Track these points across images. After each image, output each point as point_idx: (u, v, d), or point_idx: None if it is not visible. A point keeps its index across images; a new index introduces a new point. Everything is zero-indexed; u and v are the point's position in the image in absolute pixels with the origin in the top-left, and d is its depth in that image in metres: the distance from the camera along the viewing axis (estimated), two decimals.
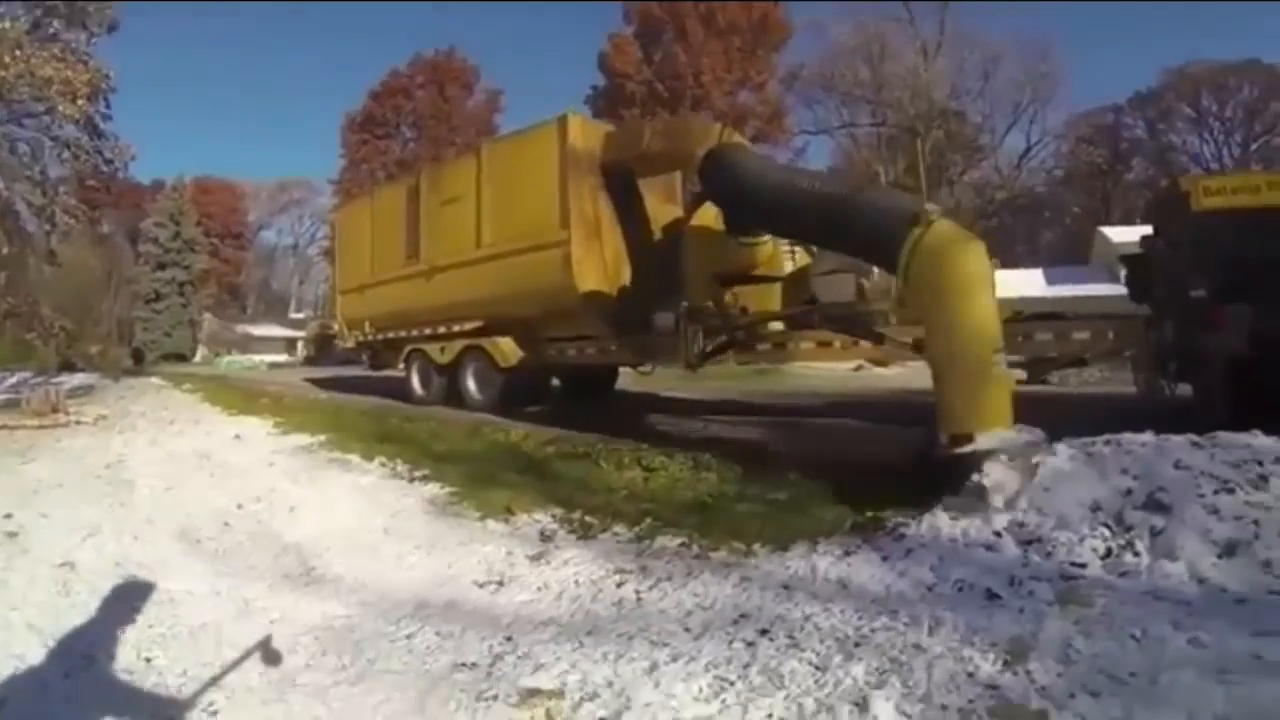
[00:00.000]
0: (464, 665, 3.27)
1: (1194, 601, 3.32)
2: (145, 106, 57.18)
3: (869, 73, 43.30)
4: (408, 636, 3.60)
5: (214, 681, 3.15)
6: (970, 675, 2.89)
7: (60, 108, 16.79)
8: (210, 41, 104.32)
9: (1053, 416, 5.50)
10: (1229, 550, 3.69)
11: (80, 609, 3.98)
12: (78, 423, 13.03)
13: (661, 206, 10.78)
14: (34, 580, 4.46)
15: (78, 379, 24.97)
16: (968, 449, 4.79)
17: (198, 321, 58.58)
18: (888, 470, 5.63)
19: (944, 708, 2.71)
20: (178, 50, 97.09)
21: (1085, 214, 48.88)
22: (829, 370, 13.28)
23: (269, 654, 3.14)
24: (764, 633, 3.33)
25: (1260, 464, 4.19)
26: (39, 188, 18.42)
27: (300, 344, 59.61)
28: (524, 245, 10.26)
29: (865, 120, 46.07)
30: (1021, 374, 7.50)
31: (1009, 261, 50.03)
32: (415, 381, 13.14)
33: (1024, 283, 40.97)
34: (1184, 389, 7.48)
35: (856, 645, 3.18)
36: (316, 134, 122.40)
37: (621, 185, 10.30)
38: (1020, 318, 8.01)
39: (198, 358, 54.53)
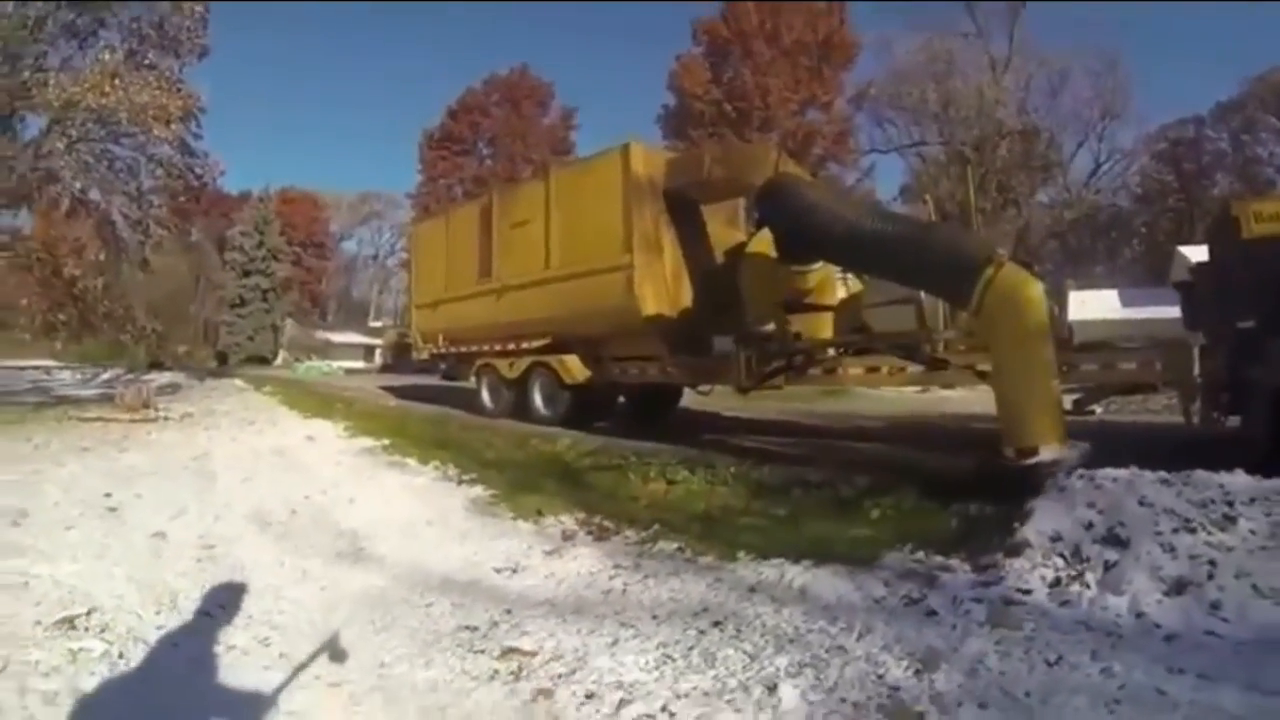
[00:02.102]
0: (466, 628, 3.96)
1: (1125, 635, 3.51)
2: (233, 120, 60.37)
3: (935, 91, 42.78)
4: (428, 605, 4.33)
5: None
6: (879, 677, 3.25)
7: (155, 130, 17.96)
8: (296, 55, 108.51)
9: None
10: (1177, 588, 3.81)
11: (169, 568, 4.81)
12: (166, 418, 14.19)
13: (724, 230, 11.07)
14: (131, 546, 5.31)
15: (165, 377, 26.59)
16: (1035, 460, 5.45)
17: (279, 327, 60.58)
18: (887, 493, 6.12)
19: (843, 700, 3.09)
20: (264, 64, 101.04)
21: (1167, 233, 47.02)
22: (895, 393, 13.48)
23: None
24: (717, 624, 3.86)
25: (1230, 504, 4.27)
26: (135, 202, 19.59)
27: (378, 351, 61.13)
28: (590, 268, 10.63)
29: (933, 139, 45.28)
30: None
31: (1086, 282, 48.91)
32: (485, 394, 13.68)
33: (1099, 304, 40.08)
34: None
35: (791, 642, 3.63)
36: (397, 148, 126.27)
37: (684, 210, 10.61)
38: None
39: (278, 361, 56.30)
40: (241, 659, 3.54)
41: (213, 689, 3.16)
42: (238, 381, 29.01)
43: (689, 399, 12.94)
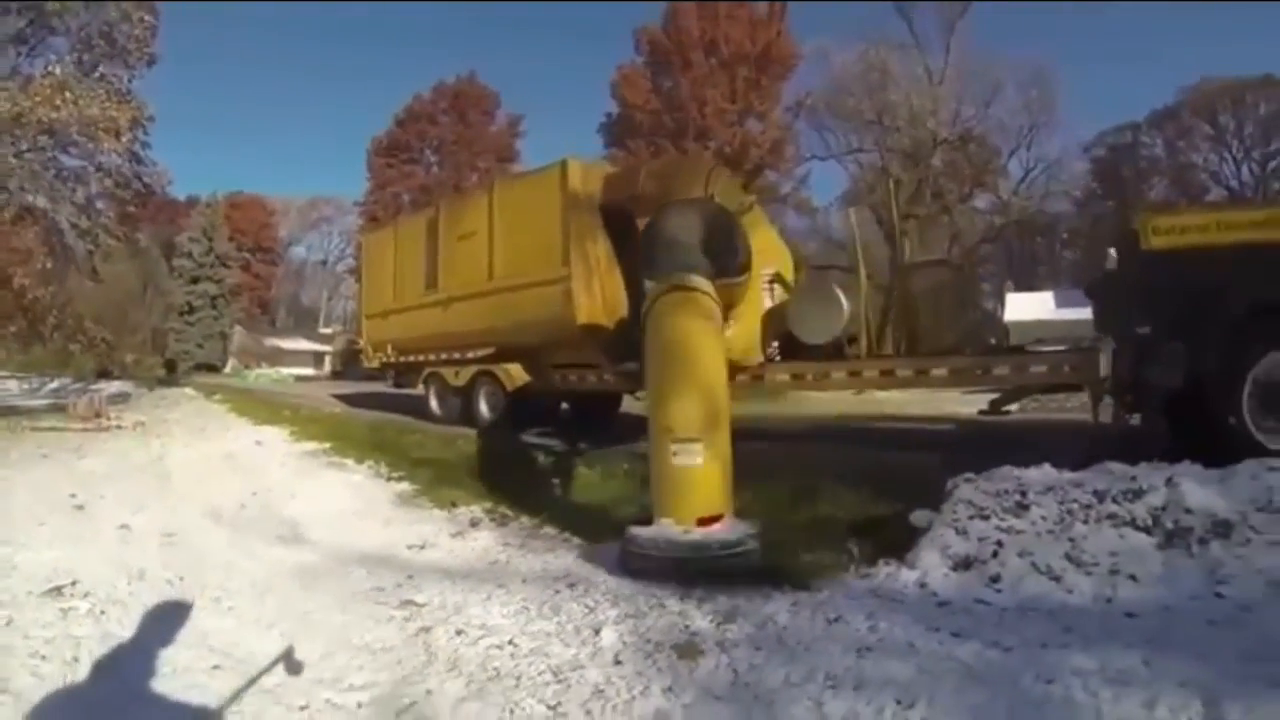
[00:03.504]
0: (376, 589, 4.99)
1: (905, 601, 4.13)
2: (181, 122, 60.23)
3: (870, 101, 43.51)
4: (348, 573, 5.35)
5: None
6: (686, 626, 4.04)
7: (105, 143, 18.42)
8: (243, 59, 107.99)
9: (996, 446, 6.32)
10: (964, 565, 4.41)
11: (136, 551, 5.79)
12: (119, 427, 14.78)
13: None
14: (101, 535, 6.27)
15: (114, 387, 26.28)
16: (636, 530, 5.10)
17: (229, 334, 60.29)
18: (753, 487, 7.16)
19: (648, 640, 3.87)
20: (211, 66, 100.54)
21: (1103, 236, 48.88)
22: (834, 395, 13.57)
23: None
24: (571, 586, 4.83)
25: (1023, 494, 4.74)
26: (84, 212, 19.87)
27: (327, 358, 61.22)
28: (530, 280, 10.76)
29: (871, 146, 45.80)
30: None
31: (1025, 284, 50.44)
32: (433, 402, 14.38)
33: (1034, 306, 41.78)
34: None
35: (625, 600, 4.46)
36: (346, 153, 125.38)
37: (621, 223, 10.59)
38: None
39: (228, 369, 56.08)
40: (199, 611, 4.53)
41: (176, 631, 4.16)
42: (188, 390, 29.35)
43: (631, 405, 13.17)
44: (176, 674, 3.63)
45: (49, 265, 20.12)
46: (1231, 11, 50.05)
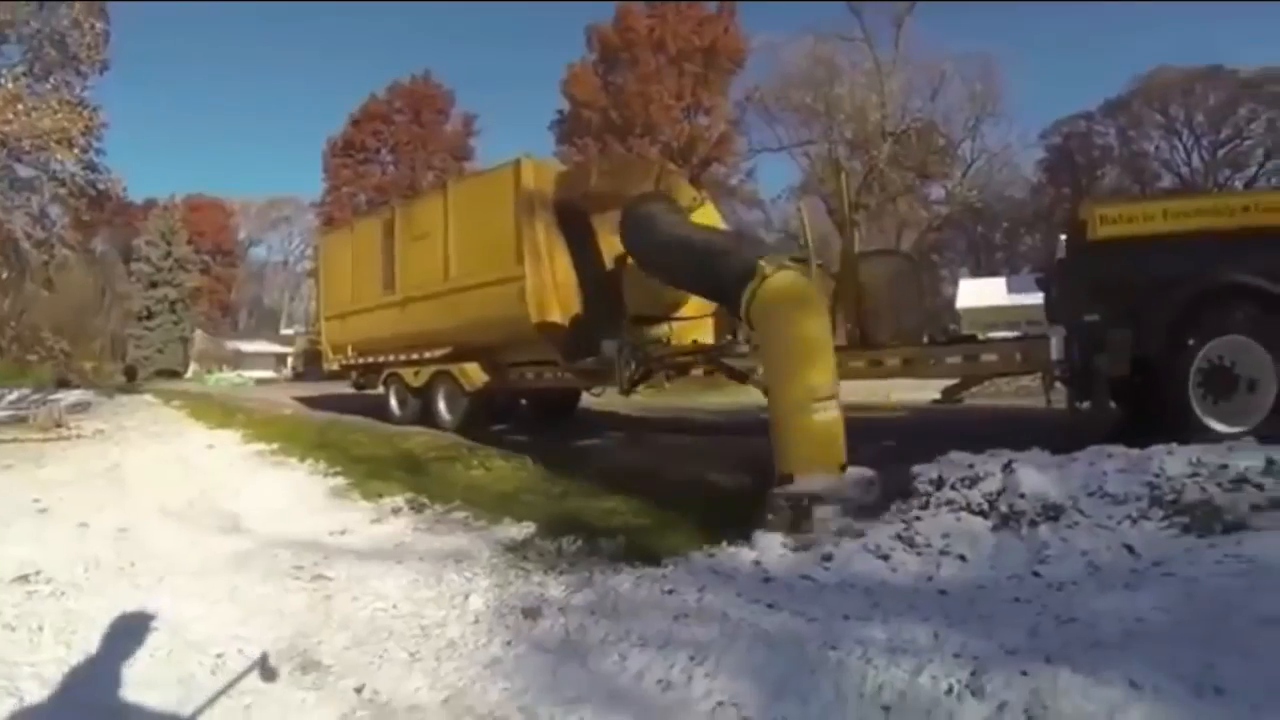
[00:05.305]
0: (296, 567, 5.86)
1: (737, 577, 4.52)
2: (137, 125, 59.90)
3: (819, 94, 44.74)
4: (274, 555, 6.20)
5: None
6: (540, 594, 4.67)
7: (58, 154, 18.78)
8: (199, 59, 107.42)
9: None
10: (805, 546, 4.82)
11: (93, 545, 6.63)
12: (78, 436, 15.36)
13: (612, 238, 10.62)
14: (62, 533, 7.08)
15: (74, 395, 26.40)
16: (786, 489, 5.39)
17: (189, 339, 60.20)
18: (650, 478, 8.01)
19: (504, 604, 4.56)
20: (167, 69, 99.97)
21: (1055, 224, 50.10)
22: None
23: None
24: (458, 562, 5.59)
25: (871, 484, 5.40)
26: (38, 223, 20.22)
27: (289, 360, 61.32)
28: (485, 279, 11.26)
29: (820, 139, 47.19)
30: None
31: (980, 269, 51.56)
32: (393, 403, 14.50)
33: (984, 292, 42.87)
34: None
35: (498, 572, 5.19)
36: (304, 152, 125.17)
37: (574, 221, 11.10)
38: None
39: (189, 374, 56.06)
40: (144, 590, 5.44)
41: (124, 606, 5.06)
42: (147, 397, 29.74)
43: (590, 402, 13.83)
44: (122, 638, 4.53)
45: (4, 275, 20.48)
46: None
